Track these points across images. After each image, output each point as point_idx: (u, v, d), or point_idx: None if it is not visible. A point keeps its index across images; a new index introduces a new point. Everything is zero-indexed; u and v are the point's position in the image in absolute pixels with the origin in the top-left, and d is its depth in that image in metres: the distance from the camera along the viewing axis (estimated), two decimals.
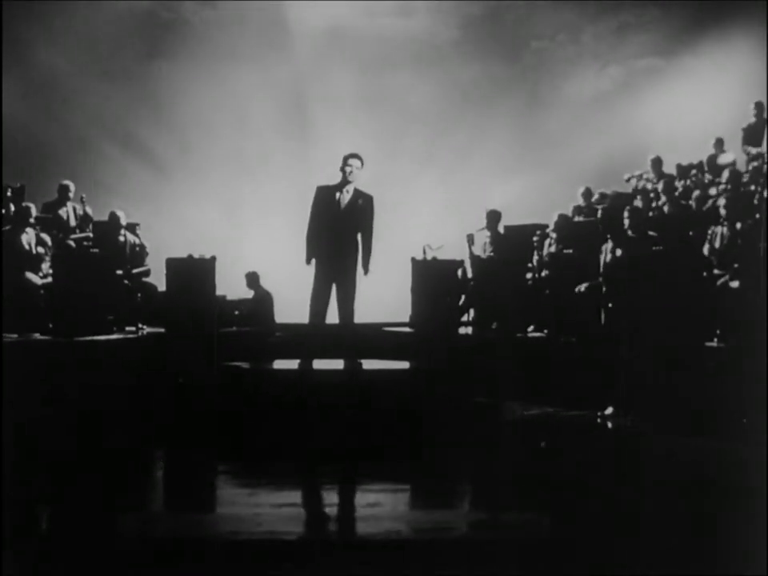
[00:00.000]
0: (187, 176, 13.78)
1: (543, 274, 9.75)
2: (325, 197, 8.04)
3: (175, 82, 13.87)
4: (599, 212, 8.73)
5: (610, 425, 7.87)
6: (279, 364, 8.18)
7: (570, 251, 9.21)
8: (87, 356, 8.36)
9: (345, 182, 8.05)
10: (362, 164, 8.07)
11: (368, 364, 7.80)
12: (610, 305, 8.16)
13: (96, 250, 9.40)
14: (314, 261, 8.07)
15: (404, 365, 8.27)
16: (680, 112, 13.17)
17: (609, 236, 8.32)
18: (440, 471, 6.26)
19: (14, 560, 4.26)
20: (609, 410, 8.00)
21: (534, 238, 9.89)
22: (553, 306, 9.22)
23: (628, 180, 11.56)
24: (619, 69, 14.02)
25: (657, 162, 11.44)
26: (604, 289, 8.24)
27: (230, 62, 14.06)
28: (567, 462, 6.56)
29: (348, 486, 5.91)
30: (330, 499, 5.62)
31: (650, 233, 8.82)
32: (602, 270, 8.34)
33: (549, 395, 8.52)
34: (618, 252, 8.21)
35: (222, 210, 13.79)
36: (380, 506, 5.18)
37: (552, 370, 8.76)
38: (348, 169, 8.01)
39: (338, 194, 8.04)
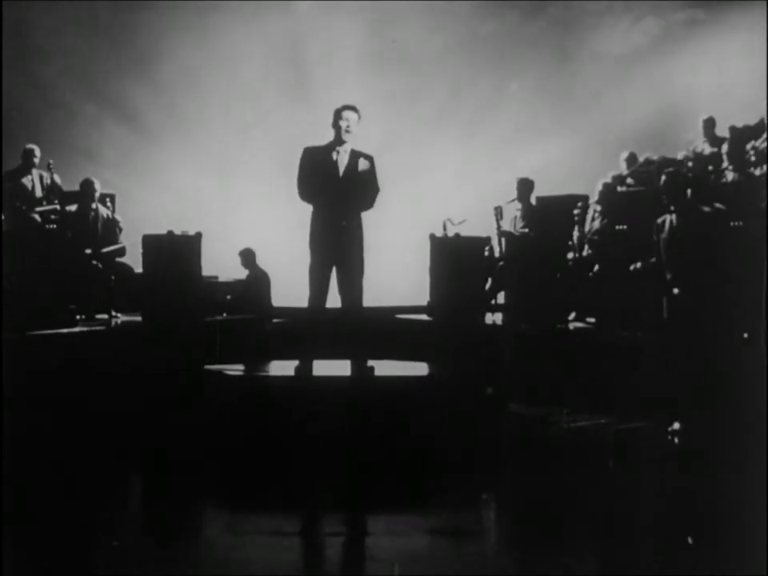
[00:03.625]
0: (173, 140, 12.17)
1: (585, 252, 8.10)
2: (317, 160, 6.37)
3: (160, 36, 12.15)
4: (661, 179, 7.00)
5: (677, 441, 6.27)
6: (274, 367, 6.57)
7: (624, 227, 7.54)
8: (41, 355, 6.69)
9: (339, 140, 6.38)
10: (359, 118, 6.41)
11: (380, 367, 6.22)
12: (673, 292, 6.47)
13: (54, 226, 7.71)
14: (308, 243, 6.41)
15: (422, 367, 6.87)
16: (724, 70, 11.49)
17: (672, 208, 6.62)
18: (473, 526, 4.68)
19: None
20: (676, 425, 6.36)
21: (575, 211, 8.21)
22: (601, 292, 7.56)
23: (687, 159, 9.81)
24: (655, 22, 12.33)
25: (709, 123, 9.80)
26: (668, 274, 6.55)
27: (221, 13, 12.35)
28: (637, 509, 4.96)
29: (355, 554, 4.29)
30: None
31: (717, 205, 7.21)
32: (662, 249, 6.63)
33: (600, 401, 6.90)
34: (682, 227, 6.53)
35: (212, 179, 12.20)
36: None
37: (602, 369, 7.13)
38: (343, 123, 6.33)
39: (334, 155, 6.37)
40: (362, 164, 6.36)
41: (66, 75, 11.72)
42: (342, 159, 6.36)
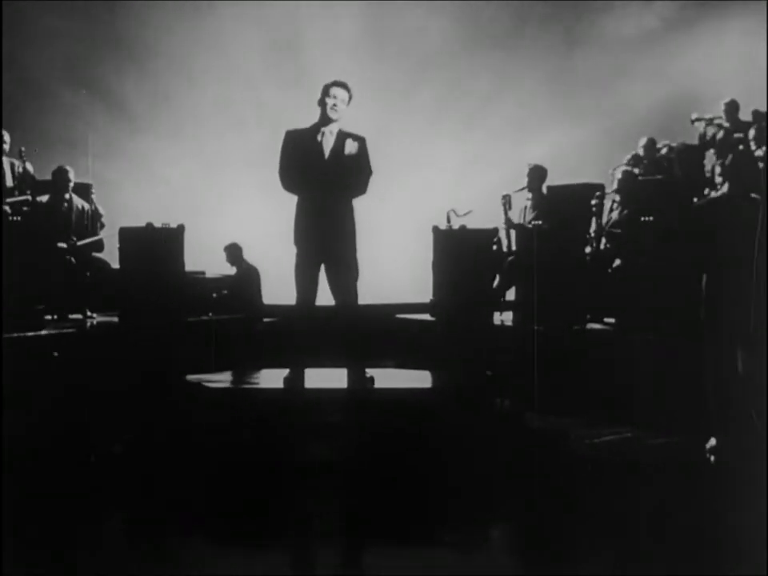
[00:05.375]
0: (162, 129, 11.37)
1: (603, 246, 7.26)
2: (299, 143, 5.60)
3: (149, 19, 11.31)
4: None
5: (712, 459, 5.41)
6: (262, 377, 5.74)
7: (650, 218, 6.69)
8: None
9: (325, 120, 5.62)
10: (350, 97, 5.65)
11: (380, 377, 5.39)
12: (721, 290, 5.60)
13: (18, 218, 6.85)
14: (293, 237, 5.63)
15: (427, 376, 6.14)
16: (741, 53, 10.66)
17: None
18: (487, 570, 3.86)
19: None
20: (712, 442, 5.50)
21: (593, 201, 7.36)
22: (623, 290, 6.72)
23: (694, 122, 9.01)
24: (669, 2, 11.42)
25: (732, 107, 9.01)
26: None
27: None
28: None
29: None
30: None
31: (753, 195, 6.37)
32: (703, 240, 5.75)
33: (624, 412, 6.05)
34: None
35: (203, 170, 11.38)
36: None
37: (625, 375, 6.27)
38: (330, 101, 5.57)
39: (318, 137, 5.60)
40: (350, 145, 5.59)
41: (47, 59, 10.89)
42: (328, 141, 5.60)
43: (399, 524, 4.35)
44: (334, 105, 5.55)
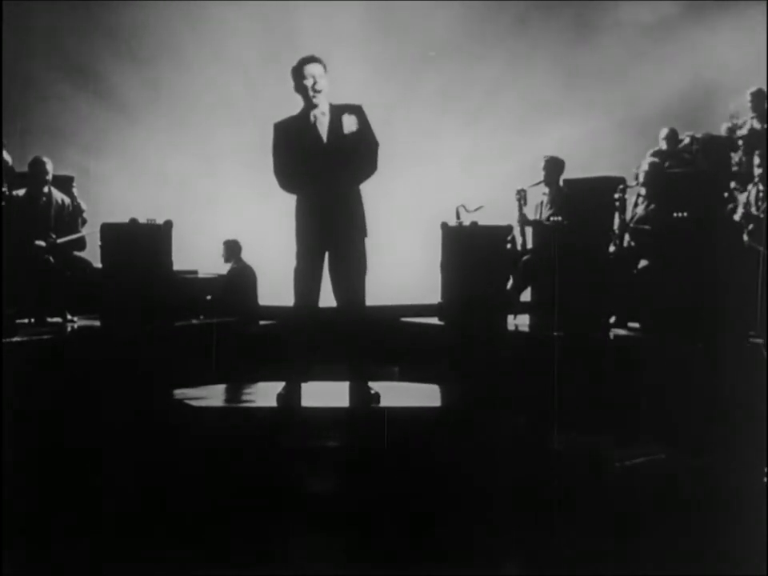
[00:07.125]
0: (155, 120, 10.80)
1: (626, 243, 6.68)
2: (293, 132, 5.10)
3: (143, 7, 10.71)
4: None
5: None
6: (255, 393, 5.15)
7: (684, 214, 6.10)
8: None
9: (311, 104, 5.10)
10: (325, 67, 5.16)
11: (385, 392, 4.77)
12: None
13: None
14: (295, 233, 5.10)
15: (436, 391, 5.66)
16: (762, 40, 10.10)
17: None
18: None
19: None
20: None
21: (616, 196, 6.77)
22: (651, 291, 6.14)
23: (731, 130, 8.43)
24: None
25: (759, 96, 8.50)
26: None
27: None
28: None
29: None
30: None
31: None
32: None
33: (655, 428, 5.45)
34: None
35: (197, 164, 10.83)
36: None
37: (654, 387, 5.67)
38: (308, 82, 5.09)
39: (311, 120, 5.09)
40: (348, 120, 5.07)
41: (31, 46, 10.31)
42: (322, 122, 5.08)
43: (407, 562, 3.75)
44: (314, 84, 5.07)
